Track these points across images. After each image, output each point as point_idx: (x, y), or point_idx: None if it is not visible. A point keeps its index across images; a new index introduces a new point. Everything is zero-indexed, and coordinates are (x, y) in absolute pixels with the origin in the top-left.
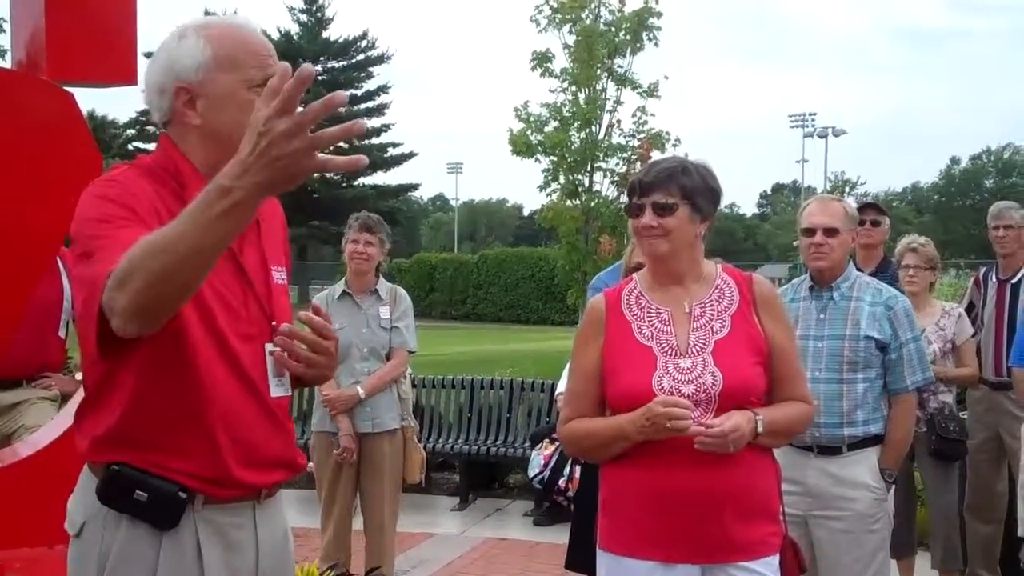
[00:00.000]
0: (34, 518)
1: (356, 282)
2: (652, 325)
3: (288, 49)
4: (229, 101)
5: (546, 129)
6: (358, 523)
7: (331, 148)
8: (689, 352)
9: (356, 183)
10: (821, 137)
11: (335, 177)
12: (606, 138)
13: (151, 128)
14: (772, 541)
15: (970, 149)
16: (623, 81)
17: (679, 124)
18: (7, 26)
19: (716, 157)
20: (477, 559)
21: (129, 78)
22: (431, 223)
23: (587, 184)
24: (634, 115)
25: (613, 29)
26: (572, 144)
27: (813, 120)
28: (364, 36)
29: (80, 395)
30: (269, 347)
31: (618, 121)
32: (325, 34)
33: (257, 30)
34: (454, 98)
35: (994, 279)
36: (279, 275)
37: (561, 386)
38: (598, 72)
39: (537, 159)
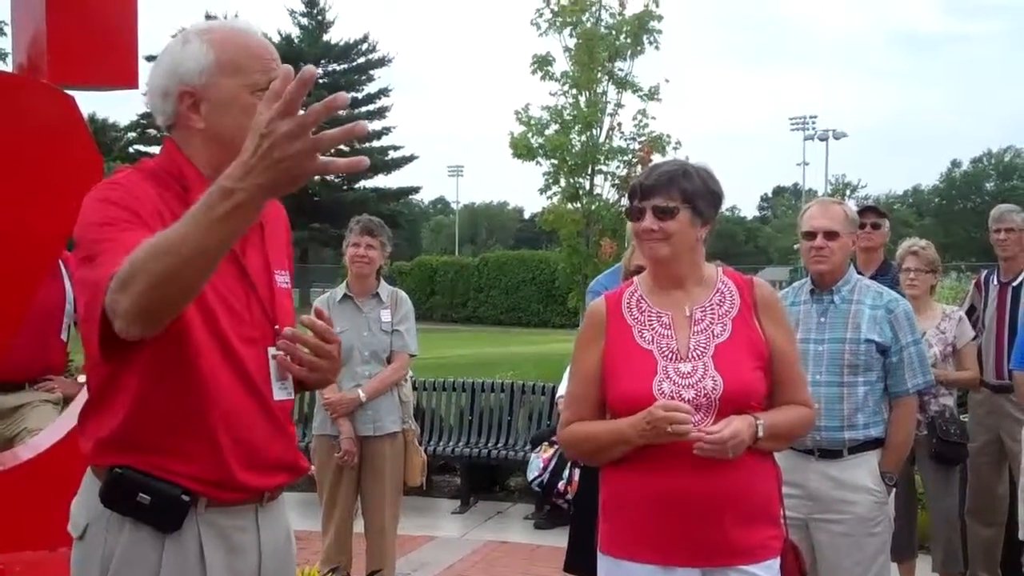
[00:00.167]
0: (36, 521)
1: (357, 285)
2: (653, 329)
3: (289, 52)
4: (233, 105)
5: (547, 132)
6: (359, 526)
7: (332, 150)
8: (690, 356)
9: (357, 186)
10: (822, 140)
11: (336, 180)
12: (607, 141)
13: (152, 131)
14: (773, 544)
15: (971, 152)
16: (624, 84)
17: (680, 127)
18: (8, 29)
19: (717, 160)
20: (478, 562)
21: (130, 81)
22: (432, 226)
23: (588, 187)
24: (635, 118)
25: (614, 32)
26: (573, 147)
27: (814, 123)
28: (365, 39)
29: (82, 398)
30: (272, 351)
31: (619, 124)
32: (326, 37)
33: (260, 34)
34: (455, 101)
35: (995, 282)
36: (282, 278)
37: (562, 389)
38: (599, 75)
39: (538, 162)
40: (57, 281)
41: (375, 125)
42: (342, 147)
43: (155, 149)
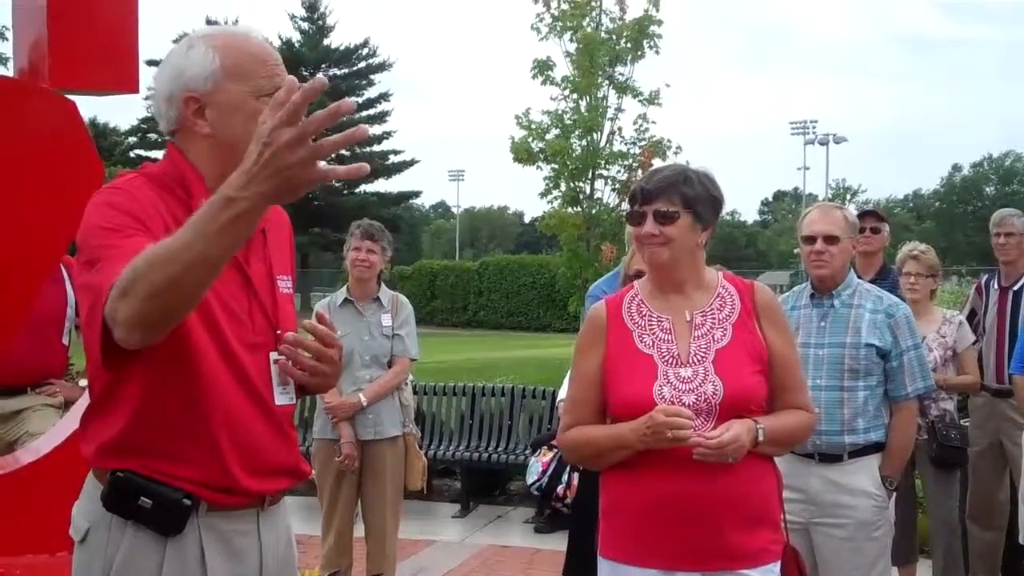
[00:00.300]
0: (36, 525)
1: (358, 289)
2: (653, 333)
3: (290, 57)
4: (238, 110)
5: (547, 137)
6: (359, 530)
7: (333, 156)
8: (690, 361)
9: (358, 190)
10: (822, 144)
11: (336, 184)
12: (607, 146)
13: (153, 136)
14: (773, 549)
15: (971, 156)
16: (624, 89)
17: (680, 131)
18: (9, 34)
19: (717, 164)
20: (478, 566)
21: (131, 86)
22: (432, 230)
23: (588, 191)
24: (635, 123)
25: (614, 37)
26: (573, 152)
27: (814, 127)
28: (365, 44)
29: (84, 401)
30: (274, 356)
31: (619, 129)
32: (326, 42)
33: (263, 40)
34: (455, 106)
35: (996, 286)
36: (284, 284)
37: (562, 393)
38: (599, 80)
39: (538, 166)
40: (58, 285)
41: (376, 129)
42: (342, 152)
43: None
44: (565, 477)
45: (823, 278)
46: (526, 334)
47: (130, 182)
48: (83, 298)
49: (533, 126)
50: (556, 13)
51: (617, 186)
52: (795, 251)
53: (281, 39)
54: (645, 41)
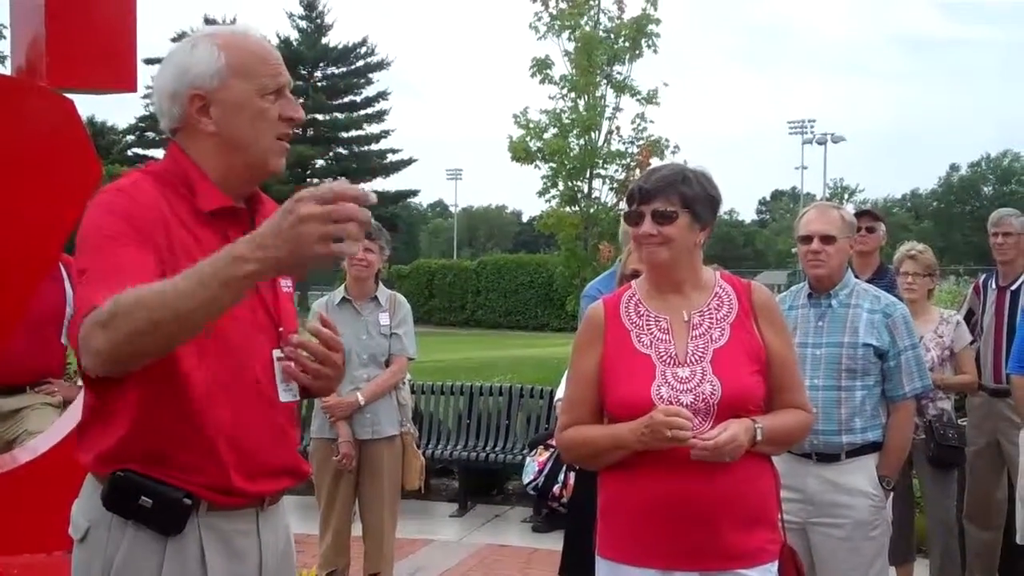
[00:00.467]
0: (33, 524)
1: (356, 288)
2: (651, 333)
3: (287, 55)
4: (243, 108)
5: (545, 136)
6: (357, 529)
7: (330, 155)
8: (688, 361)
9: None
10: (820, 144)
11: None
12: (605, 145)
13: (150, 134)
14: (771, 548)
15: (969, 156)
16: (622, 88)
17: (678, 131)
18: (7, 32)
19: (715, 163)
20: (476, 565)
21: (129, 84)
22: (430, 229)
23: (586, 191)
24: (633, 122)
25: (612, 36)
26: (571, 151)
27: (812, 127)
28: (363, 42)
29: (82, 399)
30: (276, 353)
31: (617, 128)
32: (324, 40)
33: (265, 39)
34: (453, 104)
35: (994, 286)
36: (284, 282)
37: (560, 393)
38: (597, 79)
39: (536, 166)
40: (57, 284)
41: (374, 128)
42: (341, 150)
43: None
44: (561, 476)
45: (820, 278)
46: (524, 333)
47: (134, 183)
48: (76, 308)
49: (531, 125)
50: (554, 12)
51: (615, 185)
52: (793, 251)
53: (279, 37)
54: (643, 40)
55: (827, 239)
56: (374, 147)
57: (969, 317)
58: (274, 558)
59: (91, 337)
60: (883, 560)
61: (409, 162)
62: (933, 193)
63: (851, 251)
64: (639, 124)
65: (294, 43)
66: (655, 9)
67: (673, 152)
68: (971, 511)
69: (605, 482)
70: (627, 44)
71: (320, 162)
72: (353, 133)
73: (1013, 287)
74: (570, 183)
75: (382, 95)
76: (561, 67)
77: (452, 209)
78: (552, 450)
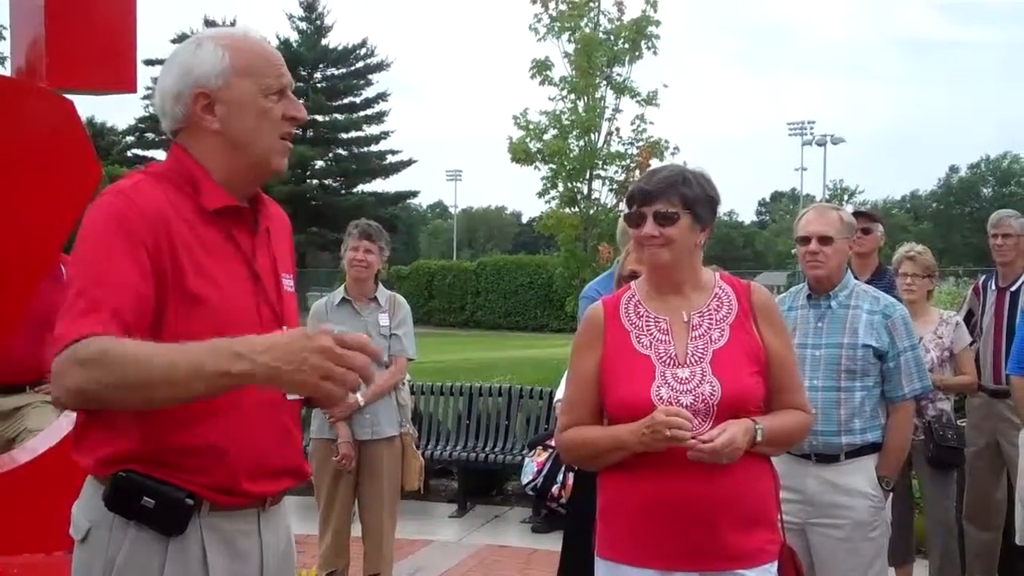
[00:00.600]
0: (33, 524)
1: (355, 289)
2: (651, 334)
3: (287, 56)
4: (248, 107)
5: (545, 137)
6: (356, 530)
7: (329, 156)
8: (687, 362)
9: (355, 190)
10: (820, 145)
11: (334, 184)
12: (605, 146)
13: (150, 135)
14: (770, 549)
15: (968, 158)
16: (622, 89)
17: (678, 132)
18: (7, 33)
19: (715, 165)
20: (475, 566)
21: (128, 85)
22: (430, 230)
23: (586, 192)
24: (633, 123)
25: (612, 37)
26: (571, 152)
27: (812, 128)
28: (363, 44)
29: None
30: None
31: (617, 129)
32: (324, 42)
33: (267, 41)
34: (453, 106)
35: (993, 287)
36: (288, 282)
37: (559, 394)
38: (597, 80)
39: (536, 167)
40: (57, 284)
41: (374, 130)
42: (340, 151)
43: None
44: (560, 477)
45: (819, 278)
46: (523, 334)
47: (135, 185)
48: (60, 317)
49: (531, 126)
50: (554, 14)
51: (615, 186)
52: (792, 252)
53: (279, 39)
54: (643, 42)
55: (825, 240)
56: (374, 148)
57: (969, 318)
58: (275, 558)
59: (67, 373)
60: (882, 561)
61: (409, 163)
62: (932, 194)
63: (851, 252)
64: (639, 125)
65: (294, 44)
66: (655, 11)
67: (673, 153)
68: (970, 512)
69: (604, 483)
70: (627, 46)
71: (320, 163)
72: (353, 134)
73: (1012, 288)
74: (570, 184)
75: (382, 96)
76: (561, 68)
77: (452, 210)
78: (551, 450)
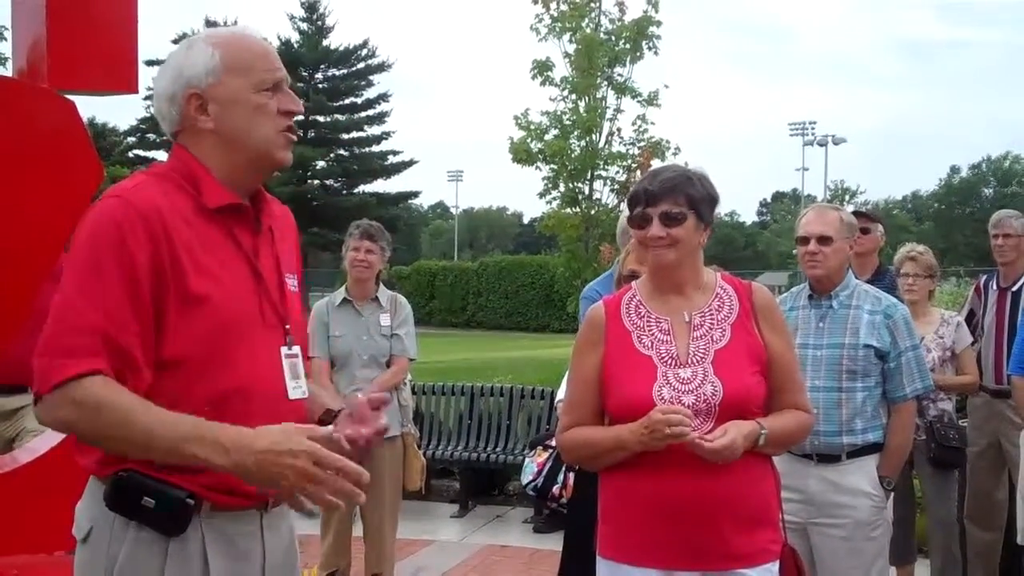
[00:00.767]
0: (34, 525)
1: (356, 289)
2: (652, 334)
3: (289, 57)
4: (240, 104)
5: (546, 137)
6: (358, 530)
7: (331, 156)
8: (689, 362)
9: (357, 190)
10: (821, 145)
11: (335, 184)
12: (606, 146)
13: (152, 136)
14: (772, 548)
15: (970, 158)
16: (623, 90)
17: (679, 132)
18: (8, 34)
19: (716, 165)
20: (477, 566)
21: (130, 86)
22: (431, 231)
23: (587, 192)
24: (634, 123)
25: (613, 38)
26: (572, 152)
27: (813, 128)
28: (365, 44)
29: None
30: (284, 350)
31: (618, 129)
32: (325, 42)
33: (262, 38)
34: (454, 106)
35: (994, 287)
36: (291, 281)
37: (561, 394)
38: (598, 81)
39: (537, 167)
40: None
41: (375, 130)
42: (342, 152)
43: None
44: (561, 477)
45: (818, 278)
46: (525, 334)
47: (135, 187)
48: (48, 326)
49: (532, 127)
50: (555, 14)
51: (616, 187)
52: (794, 252)
53: (280, 39)
54: (644, 42)
55: (824, 240)
56: (375, 149)
57: (970, 318)
58: (278, 559)
59: (60, 406)
60: (884, 560)
61: (410, 164)
62: (934, 195)
63: (852, 252)
64: (640, 126)
65: (295, 45)
66: (656, 11)
67: (674, 154)
68: (972, 512)
69: (606, 483)
70: (628, 46)
71: (321, 163)
72: (354, 135)
73: (1014, 288)
74: (571, 184)
75: (383, 97)
76: (562, 69)
77: (453, 210)
78: (551, 450)
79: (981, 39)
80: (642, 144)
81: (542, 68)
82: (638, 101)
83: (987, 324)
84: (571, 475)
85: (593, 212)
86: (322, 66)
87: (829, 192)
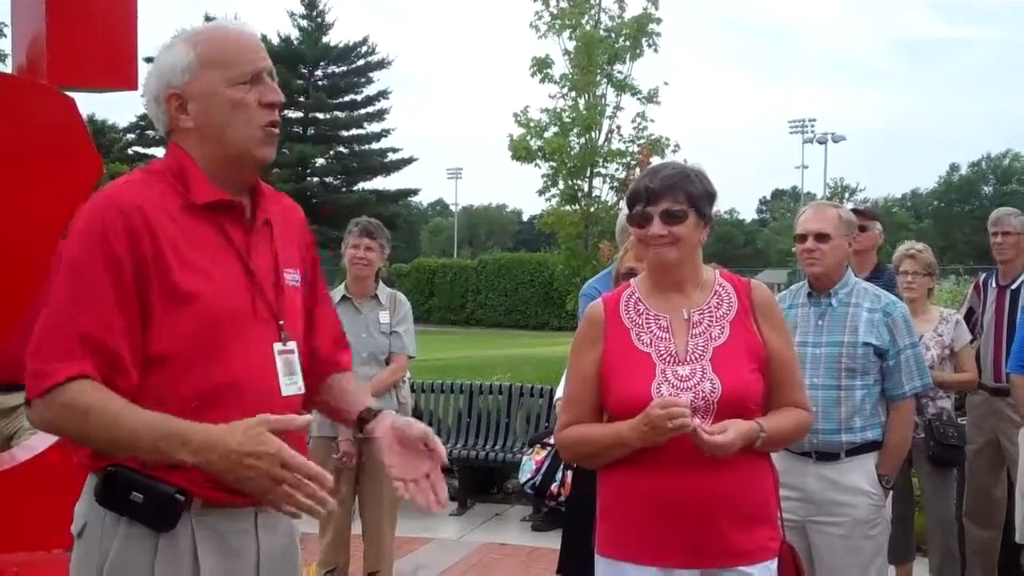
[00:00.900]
0: (33, 523)
1: (356, 287)
2: (651, 332)
3: (288, 54)
4: (215, 98)
5: (546, 134)
6: (357, 527)
7: (330, 154)
8: (688, 359)
9: (356, 188)
10: (821, 143)
11: (334, 181)
12: (606, 144)
13: (151, 133)
14: (770, 546)
15: (969, 156)
16: (623, 87)
17: (679, 130)
18: (8, 31)
19: (716, 162)
20: (475, 564)
21: (129, 83)
22: (431, 228)
23: (587, 189)
24: (634, 121)
25: (613, 35)
26: (572, 149)
27: (813, 126)
28: (364, 41)
29: None
30: (278, 346)
31: (618, 127)
32: (325, 39)
33: (245, 28)
34: (454, 103)
35: (994, 285)
36: (290, 276)
37: (560, 391)
38: (598, 78)
39: (537, 164)
40: None
41: (374, 127)
42: (341, 149)
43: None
44: (559, 475)
45: (817, 276)
46: (524, 332)
47: (117, 188)
48: (37, 328)
49: (531, 124)
50: (555, 11)
51: (615, 184)
52: (793, 250)
53: (280, 36)
54: (644, 39)
55: (821, 237)
56: (375, 146)
57: (969, 316)
58: (273, 558)
59: (48, 407)
60: (882, 559)
61: (409, 161)
62: (933, 192)
63: (851, 249)
64: (639, 123)
65: (295, 42)
66: (656, 8)
67: (674, 151)
68: (971, 510)
69: (605, 480)
70: (628, 43)
71: (321, 161)
72: (354, 132)
73: (1013, 286)
74: (570, 182)
75: (383, 94)
76: (561, 66)
77: (452, 208)
78: (549, 448)
79: (980, 37)
80: (641, 141)
81: (542, 65)
82: (638, 98)
83: (986, 322)
84: (569, 473)
85: (592, 209)
86: (322, 63)
87: (829, 190)
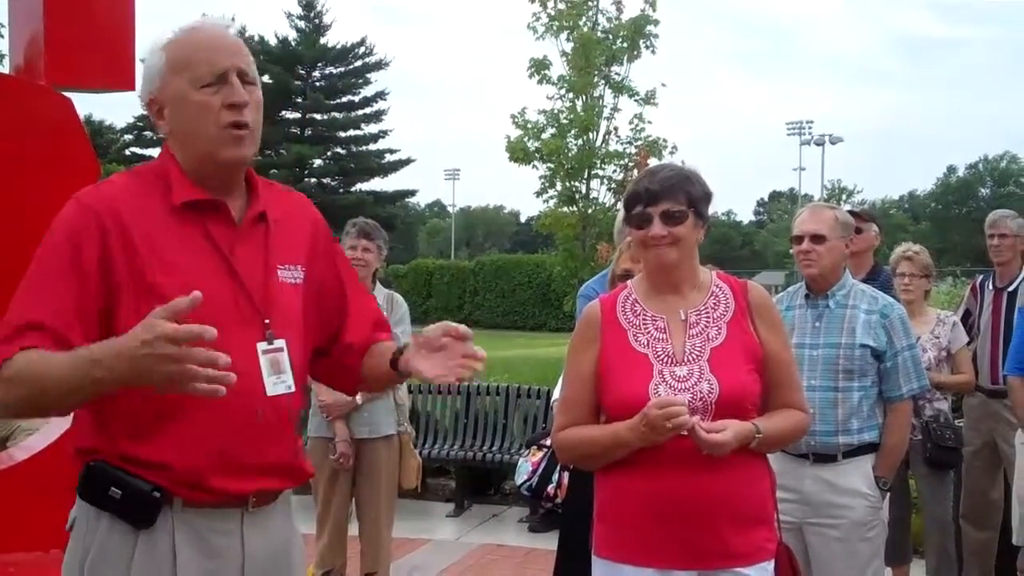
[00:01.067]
0: (30, 522)
1: None
2: (648, 333)
3: (286, 55)
4: (183, 102)
5: (543, 136)
6: (353, 529)
7: (328, 155)
8: (685, 360)
9: (353, 189)
10: (818, 145)
11: (332, 183)
12: (603, 145)
13: (148, 134)
14: (767, 547)
15: (967, 158)
16: (620, 88)
17: (676, 131)
18: (5, 31)
19: (713, 164)
20: (472, 565)
21: (127, 83)
22: (428, 229)
23: (584, 191)
24: (631, 122)
25: (610, 36)
26: (569, 151)
27: (810, 128)
28: (362, 42)
29: None
30: (262, 345)
31: (615, 128)
32: (323, 40)
33: (217, 29)
34: (452, 104)
35: (990, 287)
36: (288, 273)
37: (557, 393)
38: (595, 79)
39: (534, 166)
40: None
41: (372, 128)
42: (339, 150)
43: (151, 152)
44: (555, 477)
45: (813, 277)
46: (521, 333)
47: (93, 188)
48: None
49: (529, 125)
50: (553, 12)
51: (613, 185)
52: (790, 251)
53: (278, 37)
54: (641, 41)
55: (818, 239)
56: (372, 147)
57: (966, 318)
58: (262, 561)
59: None
60: (879, 561)
61: (407, 162)
62: (931, 194)
63: (848, 250)
64: (637, 124)
65: (292, 43)
66: (653, 10)
67: (671, 152)
68: (967, 511)
69: (602, 482)
70: (625, 45)
71: (318, 162)
72: (351, 133)
73: (1010, 288)
74: (568, 183)
75: (380, 95)
76: (559, 67)
77: (450, 209)
78: (546, 450)
79: (979, 38)
80: (639, 143)
81: (539, 67)
82: (635, 100)
83: (983, 324)
84: (566, 475)
85: (590, 211)
86: (319, 64)
87: (826, 191)
